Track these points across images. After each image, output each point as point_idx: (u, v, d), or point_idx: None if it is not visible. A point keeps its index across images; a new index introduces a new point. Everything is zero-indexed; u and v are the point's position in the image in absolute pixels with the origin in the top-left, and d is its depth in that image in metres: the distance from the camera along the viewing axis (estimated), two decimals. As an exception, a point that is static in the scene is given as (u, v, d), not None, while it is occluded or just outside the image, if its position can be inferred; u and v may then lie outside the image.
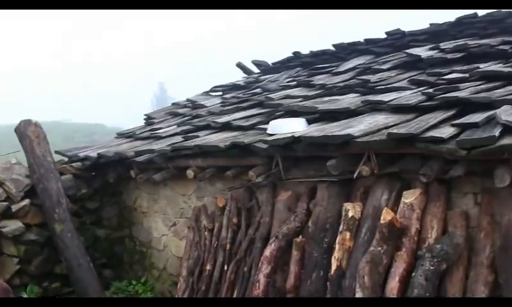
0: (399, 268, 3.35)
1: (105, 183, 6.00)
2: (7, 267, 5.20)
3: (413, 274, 3.24)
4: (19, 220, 5.28)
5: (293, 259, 3.99)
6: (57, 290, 5.51)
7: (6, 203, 5.22)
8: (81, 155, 5.94)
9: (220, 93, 7.02)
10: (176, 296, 5.04)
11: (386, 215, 3.37)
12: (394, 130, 3.27)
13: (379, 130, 3.45)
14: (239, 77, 7.89)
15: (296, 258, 3.98)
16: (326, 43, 7.40)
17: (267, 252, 4.07)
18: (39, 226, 5.43)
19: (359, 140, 3.35)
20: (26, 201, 5.35)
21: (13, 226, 5.21)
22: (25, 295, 3.93)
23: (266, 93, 5.76)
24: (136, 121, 6.97)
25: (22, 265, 5.32)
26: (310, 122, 4.22)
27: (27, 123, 5.70)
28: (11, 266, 5.23)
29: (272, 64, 7.69)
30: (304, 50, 7.43)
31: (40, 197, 5.36)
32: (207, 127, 5.23)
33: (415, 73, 4.88)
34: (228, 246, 4.64)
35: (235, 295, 4.43)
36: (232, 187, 4.74)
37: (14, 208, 5.26)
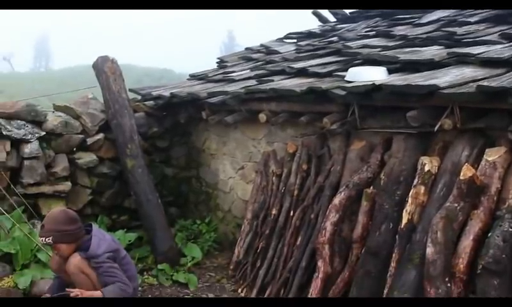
0: (474, 226, 3.24)
1: (176, 123, 6.07)
2: (80, 197, 5.41)
3: (489, 234, 3.12)
4: (93, 153, 5.45)
5: (362, 210, 3.93)
6: (126, 223, 5.67)
7: (82, 136, 5.38)
8: (154, 93, 6.02)
9: (294, 40, 6.89)
10: (239, 238, 5.12)
11: (467, 172, 3.24)
12: (485, 83, 3.11)
13: (466, 82, 3.30)
14: (312, 25, 7.70)
15: (365, 209, 3.91)
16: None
17: (336, 200, 4.03)
18: (111, 160, 5.59)
19: (444, 91, 3.21)
20: (100, 135, 5.50)
21: (87, 158, 5.39)
22: (96, 225, 4.07)
23: (343, 42, 5.61)
24: (204, 68, 6.94)
25: (94, 196, 5.51)
26: (390, 72, 4.09)
27: (104, 59, 5.80)
28: (84, 196, 5.44)
29: (350, 13, 7.46)
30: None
31: (113, 132, 5.48)
32: (281, 72, 5.16)
33: (506, 27, 4.61)
34: (295, 192, 4.63)
35: (299, 241, 4.43)
36: (304, 133, 4.70)
37: (89, 141, 5.42)
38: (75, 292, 3.70)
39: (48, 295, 3.99)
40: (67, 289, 3.77)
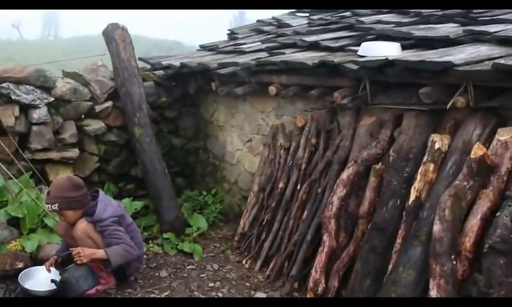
0: (482, 206, 3.22)
1: (185, 93, 6.04)
2: (88, 164, 5.42)
3: (498, 214, 3.10)
4: (101, 121, 5.44)
5: (369, 186, 3.92)
6: (132, 191, 5.71)
7: (90, 103, 5.36)
8: (164, 63, 5.99)
9: (307, 14, 6.81)
10: (245, 210, 5.15)
11: (478, 150, 3.21)
12: (501, 61, 3.06)
13: (481, 60, 3.24)
14: None
15: (373, 185, 3.90)
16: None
17: (344, 175, 4.03)
18: (119, 128, 5.58)
19: (459, 68, 3.16)
20: (109, 103, 5.48)
21: (95, 125, 5.38)
22: (102, 192, 4.09)
23: (356, 17, 5.54)
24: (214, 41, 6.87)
25: (102, 164, 5.53)
26: (403, 48, 4.04)
27: (114, 26, 5.75)
28: (91, 163, 5.45)
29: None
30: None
31: (122, 101, 5.46)
32: (293, 45, 5.11)
33: (524, 6, 4.53)
34: (303, 166, 4.63)
35: (305, 215, 4.45)
36: (313, 107, 4.66)
37: (97, 108, 5.40)
38: (76, 249, 3.74)
39: (55, 257, 4.04)
40: (70, 248, 3.82)
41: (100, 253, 3.79)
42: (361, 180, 4.04)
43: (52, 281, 3.79)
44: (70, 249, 3.83)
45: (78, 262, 3.74)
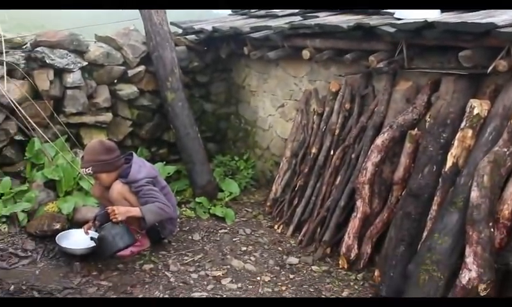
0: (523, 173, 3.15)
1: (216, 58, 6.00)
2: (121, 129, 5.45)
3: (538, 181, 3.05)
4: (134, 85, 5.43)
5: (405, 152, 3.87)
6: (164, 156, 5.74)
7: (123, 68, 5.35)
8: (196, 27, 5.94)
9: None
10: (277, 176, 5.14)
11: (519, 116, 3.13)
12: (546, 22, 2.95)
13: (525, 22, 3.13)
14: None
15: (408, 151, 3.85)
16: None
17: (379, 141, 3.99)
18: (152, 93, 5.57)
19: (502, 30, 3.05)
20: (141, 67, 5.46)
21: (128, 89, 5.38)
22: (135, 155, 4.13)
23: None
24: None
25: (134, 128, 5.55)
26: (442, 10, 3.92)
27: (146, -10, 5.71)
28: (124, 128, 5.48)
29: None
30: None
31: (154, 65, 5.43)
32: (327, 8, 4.99)
33: None
34: (336, 131, 4.60)
35: (338, 181, 4.43)
36: (348, 72, 4.58)
37: (130, 73, 5.39)
38: (112, 208, 3.79)
39: (93, 220, 4.09)
40: (106, 208, 3.87)
41: (135, 211, 3.84)
42: (396, 146, 4.00)
43: (92, 238, 3.87)
44: (106, 208, 3.89)
45: (114, 220, 3.80)
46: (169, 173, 5.26)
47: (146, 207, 3.85)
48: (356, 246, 4.04)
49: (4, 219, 4.26)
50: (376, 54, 4.06)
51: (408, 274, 3.32)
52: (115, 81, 5.35)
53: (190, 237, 4.53)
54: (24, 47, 4.91)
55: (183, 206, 5.10)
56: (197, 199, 5.13)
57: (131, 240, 3.90)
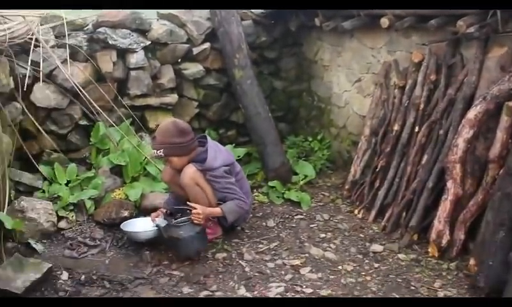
0: None
1: (285, 32, 5.69)
2: (187, 110, 5.27)
3: None
4: (199, 64, 5.23)
5: (501, 126, 3.51)
6: (233, 138, 5.54)
7: (187, 46, 5.16)
8: (262, -1, 5.65)
9: None
10: (355, 156, 4.86)
11: None
12: None
13: None
14: None
15: (505, 125, 3.49)
16: None
17: (471, 114, 3.64)
18: (218, 71, 5.37)
19: None
20: (206, 45, 5.25)
21: (193, 68, 5.19)
22: (209, 138, 3.93)
23: None
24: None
25: (201, 109, 5.36)
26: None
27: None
28: (191, 109, 5.29)
29: None
30: None
31: (220, 41, 5.21)
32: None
33: None
34: (421, 106, 4.26)
35: (424, 160, 4.10)
36: (432, 40, 4.20)
37: (195, 50, 5.18)
38: (196, 210, 3.67)
39: (163, 210, 3.96)
40: (188, 202, 3.74)
41: (217, 211, 3.77)
42: (490, 120, 3.66)
43: (157, 225, 3.79)
44: (188, 203, 3.72)
45: (195, 222, 3.67)
46: (239, 156, 5.04)
47: (228, 206, 3.75)
48: (447, 232, 3.74)
49: (71, 207, 4.22)
50: (465, 18, 3.70)
51: (511, 262, 3.03)
52: (179, 60, 5.18)
53: (264, 224, 4.35)
54: (86, 28, 4.83)
55: (255, 190, 4.90)
56: (270, 183, 4.91)
57: (206, 243, 3.81)
